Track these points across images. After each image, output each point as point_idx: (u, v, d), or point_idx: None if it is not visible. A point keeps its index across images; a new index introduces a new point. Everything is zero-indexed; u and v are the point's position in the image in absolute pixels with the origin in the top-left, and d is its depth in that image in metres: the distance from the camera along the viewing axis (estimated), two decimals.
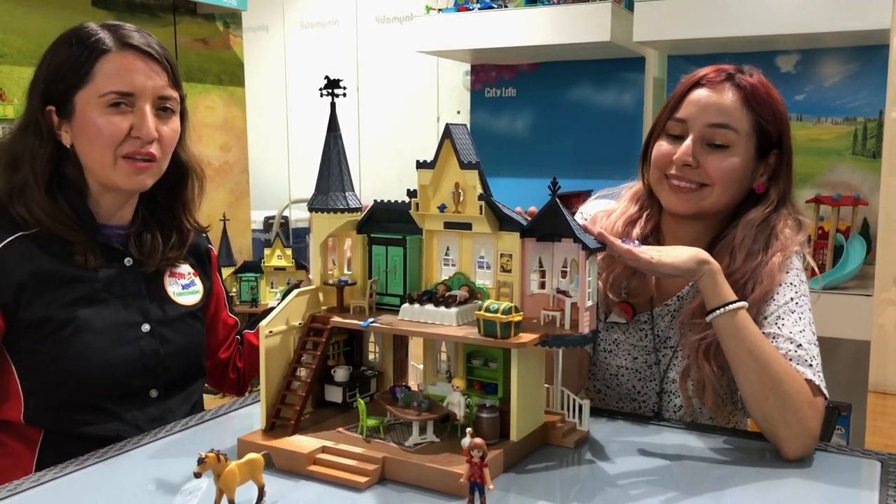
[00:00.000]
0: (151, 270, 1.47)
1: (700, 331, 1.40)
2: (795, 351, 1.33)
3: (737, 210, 1.50)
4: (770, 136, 1.47)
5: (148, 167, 1.40)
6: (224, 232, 3.34)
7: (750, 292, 1.38)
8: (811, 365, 1.32)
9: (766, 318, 1.38)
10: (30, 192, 1.36)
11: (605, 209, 1.63)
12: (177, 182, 1.52)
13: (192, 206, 1.57)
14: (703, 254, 1.32)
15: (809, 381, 1.30)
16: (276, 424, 1.25)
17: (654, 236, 1.56)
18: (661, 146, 1.49)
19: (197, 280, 1.58)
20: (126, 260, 1.44)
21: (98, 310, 1.39)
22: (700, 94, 1.46)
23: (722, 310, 1.29)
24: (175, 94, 1.43)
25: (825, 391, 1.31)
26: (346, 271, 1.37)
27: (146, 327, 1.44)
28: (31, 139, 1.38)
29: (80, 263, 1.38)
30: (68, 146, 1.39)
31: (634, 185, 1.61)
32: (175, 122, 1.44)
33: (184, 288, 1.54)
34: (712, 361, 1.40)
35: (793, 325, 1.37)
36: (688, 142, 1.45)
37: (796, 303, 1.40)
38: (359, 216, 1.33)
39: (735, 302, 1.30)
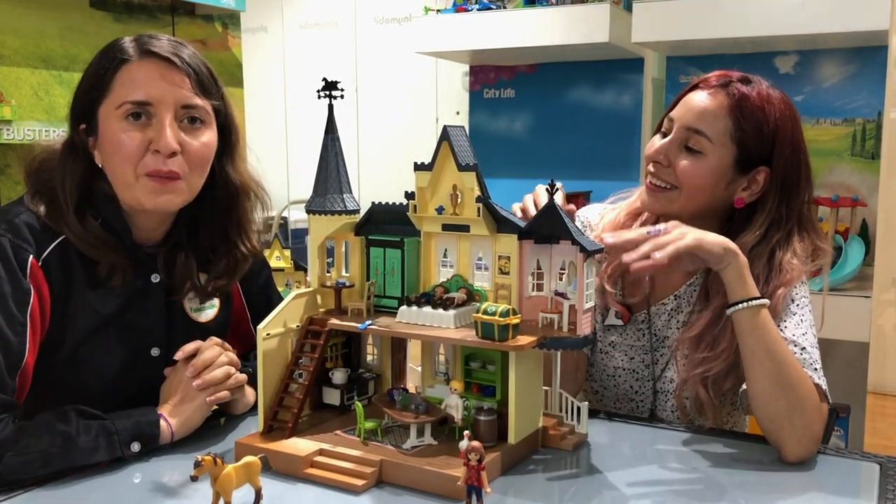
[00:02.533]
0: (179, 294, 1.41)
1: (702, 364, 1.39)
2: (800, 354, 1.32)
3: (729, 218, 1.49)
4: (750, 150, 1.42)
5: (172, 185, 1.30)
6: None
7: None
8: (816, 369, 1.32)
9: None
10: (60, 211, 1.31)
11: (612, 206, 1.64)
12: (227, 203, 1.43)
13: (248, 227, 1.46)
14: (733, 244, 1.29)
15: (817, 386, 1.29)
16: (274, 427, 1.25)
17: None
18: (652, 142, 1.50)
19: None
20: (153, 276, 1.39)
21: (111, 333, 1.34)
22: (693, 96, 1.46)
23: (745, 304, 1.27)
24: (202, 102, 1.32)
25: (828, 395, 1.31)
26: (343, 273, 1.37)
27: (156, 352, 1.39)
28: (65, 157, 1.34)
29: (112, 282, 1.33)
30: (100, 165, 1.34)
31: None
32: (207, 134, 1.34)
33: (201, 303, 1.46)
34: (711, 391, 1.40)
35: (795, 328, 1.36)
36: (665, 140, 1.46)
37: (797, 304, 1.40)
38: (356, 218, 1.33)
39: (758, 298, 1.28)
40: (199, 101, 1.32)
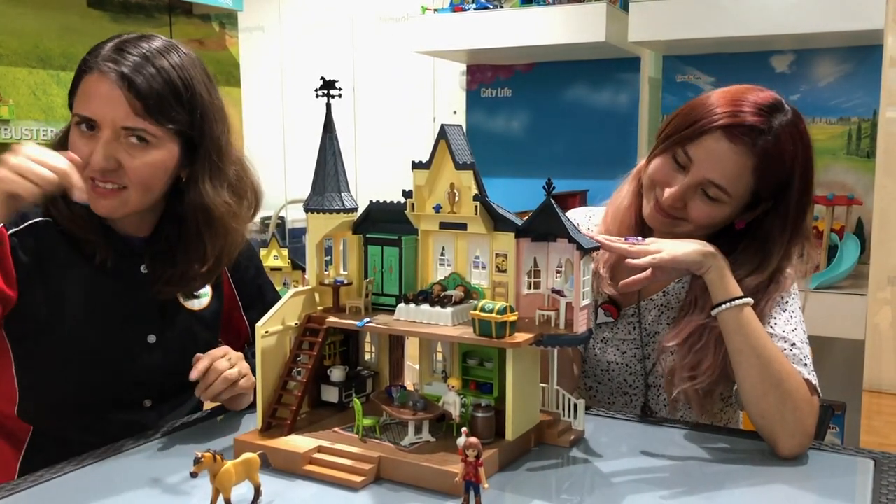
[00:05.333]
0: (166, 291, 1.43)
1: (688, 381, 1.40)
2: (790, 350, 1.34)
3: (721, 232, 1.47)
4: (764, 195, 1.41)
5: (112, 193, 1.32)
6: None
7: None
8: (805, 364, 1.33)
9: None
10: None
11: (600, 209, 1.64)
12: (194, 218, 1.41)
13: (219, 242, 1.43)
14: (709, 247, 1.32)
15: (807, 381, 1.31)
16: (273, 424, 1.26)
17: (646, 228, 1.56)
18: (664, 167, 1.44)
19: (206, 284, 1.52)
20: (142, 267, 1.42)
21: (108, 317, 1.39)
22: (719, 143, 1.37)
23: (728, 304, 1.30)
24: (145, 125, 1.30)
25: (819, 390, 1.32)
26: (341, 271, 1.37)
27: (152, 338, 1.43)
28: (63, 140, 1.38)
29: (96, 262, 1.37)
30: None
31: (640, 163, 1.57)
32: (152, 154, 1.32)
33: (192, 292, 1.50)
34: (702, 396, 1.41)
35: (784, 324, 1.38)
36: (680, 186, 1.40)
37: (786, 301, 1.41)
38: (354, 216, 1.34)
39: (741, 298, 1.30)
40: (141, 123, 1.30)
